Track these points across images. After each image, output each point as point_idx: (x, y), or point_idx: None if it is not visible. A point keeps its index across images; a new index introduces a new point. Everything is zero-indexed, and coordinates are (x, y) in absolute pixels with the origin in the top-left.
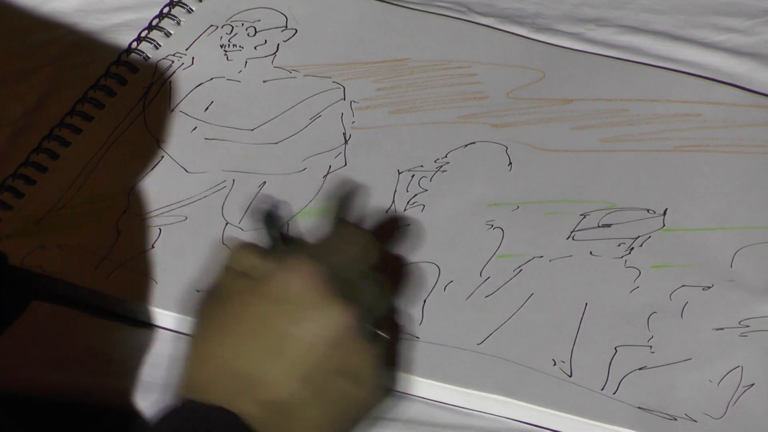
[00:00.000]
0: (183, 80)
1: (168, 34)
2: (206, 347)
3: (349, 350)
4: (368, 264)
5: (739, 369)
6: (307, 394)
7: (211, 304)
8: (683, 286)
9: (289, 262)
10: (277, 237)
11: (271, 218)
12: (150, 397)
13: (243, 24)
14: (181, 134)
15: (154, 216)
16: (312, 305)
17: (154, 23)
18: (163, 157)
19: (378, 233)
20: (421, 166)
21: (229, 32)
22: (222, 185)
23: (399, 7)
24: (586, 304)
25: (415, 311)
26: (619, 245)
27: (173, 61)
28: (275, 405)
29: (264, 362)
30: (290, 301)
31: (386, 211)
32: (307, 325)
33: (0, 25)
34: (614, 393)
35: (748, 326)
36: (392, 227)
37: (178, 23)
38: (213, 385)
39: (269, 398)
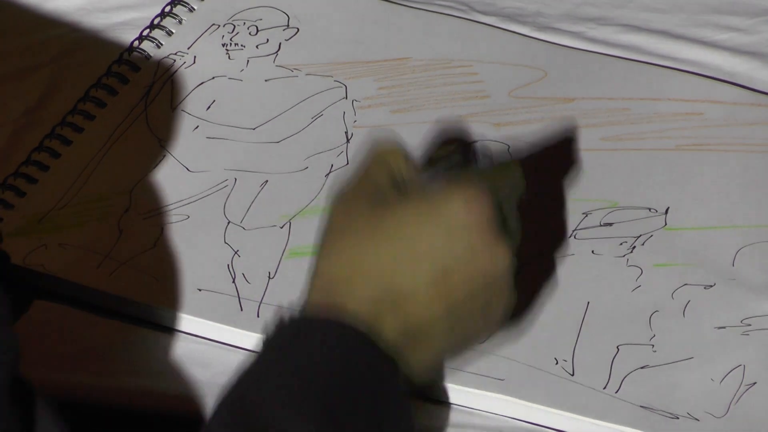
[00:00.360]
0: (185, 79)
1: (170, 33)
2: (358, 255)
3: (498, 293)
4: (516, 200)
5: (741, 368)
6: (446, 323)
7: (360, 206)
8: (685, 284)
9: (455, 184)
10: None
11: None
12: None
13: (245, 23)
14: (182, 133)
15: (156, 215)
16: (479, 244)
17: (155, 22)
18: (164, 156)
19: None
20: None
21: (230, 31)
22: (224, 184)
23: (400, 6)
24: (588, 302)
25: None
26: (621, 244)
27: (175, 60)
28: (415, 327)
29: (417, 282)
30: (456, 234)
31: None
32: (470, 263)
33: (1, 23)
34: (616, 392)
35: (750, 325)
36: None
37: (180, 22)
38: (362, 295)
39: (413, 319)
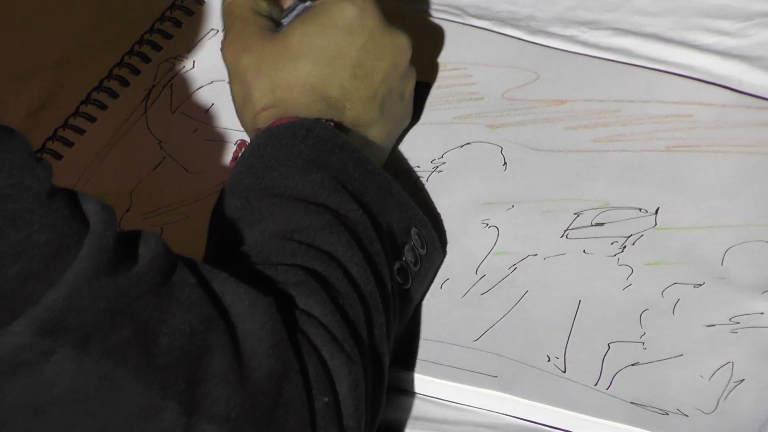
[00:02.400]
0: (184, 83)
1: (169, 37)
2: (282, 77)
3: (410, 78)
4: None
5: (730, 365)
6: (379, 114)
7: (255, 41)
8: (675, 283)
9: None
10: None
11: None
12: None
13: None
14: (182, 135)
15: (156, 215)
16: (379, 35)
17: (155, 26)
18: (164, 157)
19: None
20: (418, 166)
21: None
22: (222, 185)
23: (396, 12)
24: (580, 301)
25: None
26: (612, 243)
27: (174, 64)
28: (357, 123)
29: (348, 88)
30: (357, 32)
31: None
32: (377, 52)
33: (4, 27)
34: (607, 388)
35: (738, 323)
36: None
37: (179, 26)
38: (305, 108)
39: (352, 117)
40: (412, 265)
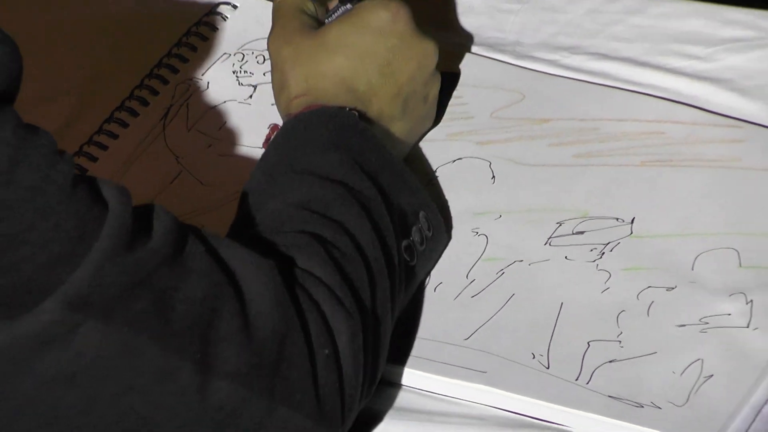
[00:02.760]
0: (199, 102)
1: (185, 61)
2: (316, 68)
3: (434, 83)
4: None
5: (700, 362)
6: (402, 112)
7: (297, 36)
8: (649, 287)
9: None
10: None
11: None
12: None
13: (253, 52)
14: (197, 151)
15: None
16: (408, 39)
17: (173, 51)
18: (181, 171)
19: None
20: (434, 176)
21: (240, 60)
22: (234, 197)
23: None
24: (562, 303)
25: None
26: (592, 250)
27: (190, 85)
28: (380, 117)
29: (375, 84)
30: (387, 34)
31: None
32: (405, 54)
33: (35, 52)
34: (587, 383)
35: (707, 323)
36: None
37: (195, 50)
38: (333, 98)
39: (377, 111)
40: (418, 245)
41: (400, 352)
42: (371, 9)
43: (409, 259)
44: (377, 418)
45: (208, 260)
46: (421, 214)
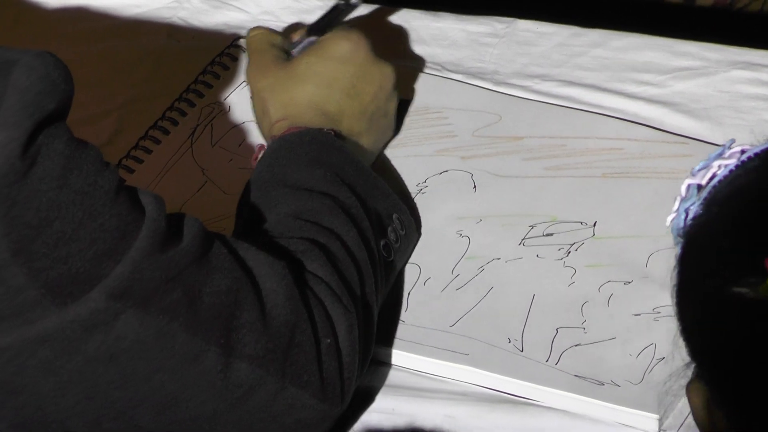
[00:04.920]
0: (222, 123)
1: (210, 87)
2: (291, 97)
3: (393, 100)
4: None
5: (653, 346)
6: (368, 127)
7: (271, 68)
8: (609, 281)
9: (338, 32)
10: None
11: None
12: None
13: None
14: (220, 164)
15: None
16: (368, 64)
17: (199, 78)
18: (206, 182)
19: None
20: (403, 184)
21: None
22: None
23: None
24: (534, 295)
25: (401, 302)
26: (559, 249)
27: (214, 108)
28: (350, 133)
29: (343, 106)
30: (350, 61)
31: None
32: (366, 77)
33: (81, 80)
34: (556, 364)
35: (659, 312)
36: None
37: (218, 78)
38: (309, 120)
39: (347, 128)
40: (394, 243)
41: (394, 337)
42: (334, 41)
43: (386, 256)
44: (373, 393)
45: (230, 260)
46: (395, 216)
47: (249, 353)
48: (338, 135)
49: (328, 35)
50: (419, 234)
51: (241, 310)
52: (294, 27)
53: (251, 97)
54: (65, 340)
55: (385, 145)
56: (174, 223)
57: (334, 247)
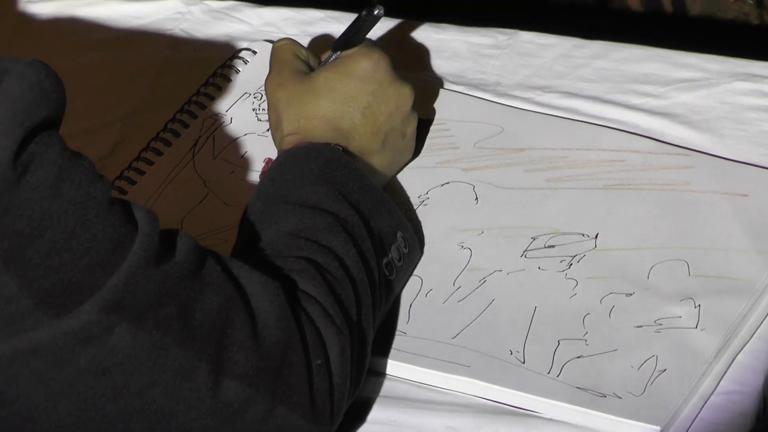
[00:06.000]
0: (223, 135)
1: (212, 99)
2: (306, 110)
3: (411, 121)
4: None
5: (655, 358)
6: (381, 147)
7: (291, 80)
8: (611, 293)
9: (360, 50)
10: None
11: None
12: None
13: None
14: (222, 176)
15: (201, 239)
16: (387, 84)
17: (201, 90)
18: (208, 193)
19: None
20: (408, 200)
21: (259, 99)
22: None
23: None
24: (536, 307)
25: (403, 314)
26: (561, 261)
27: (216, 120)
28: (362, 152)
29: (357, 124)
30: (369, 81)
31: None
32: (384, 98)
33: (82, 91)
34: (558, 376)
35: (661, 324)
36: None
37: (220, 90)
38: (320, 136)
39: (358, 146)
40: (396, 261)
41: (396, 349)
42: (355, 58)
43: (388, 274)
44: (373, 404)
45: (223, 277)
46: (399, 234)
47: (239, 372)
48: (347, 152)
49: (349, 52)
50: (422, 252)
51: (232, 328)
52: (320, 40)
53: (267, 108)
54: (58, 351)
55: (404, 166)
56: (167, 239)
57: (331, 267)
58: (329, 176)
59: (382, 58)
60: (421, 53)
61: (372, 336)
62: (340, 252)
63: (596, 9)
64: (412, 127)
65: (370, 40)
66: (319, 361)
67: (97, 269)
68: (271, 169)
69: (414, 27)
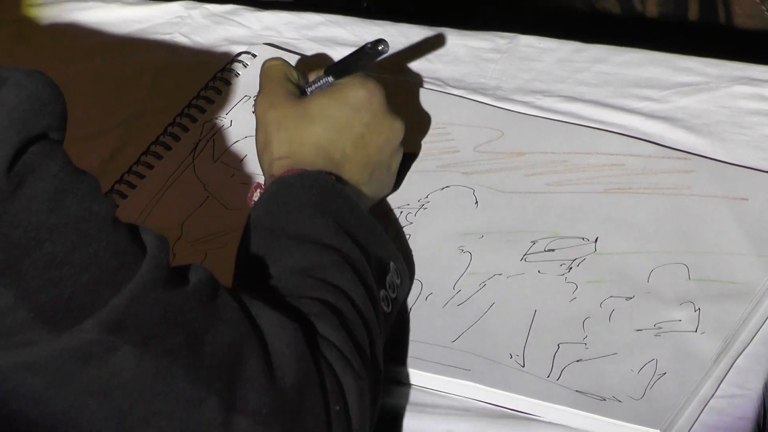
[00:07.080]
0: (223, 138)
1: (212, 102)
2: (298, 135)
3: (398, 156)
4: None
5: (655, 361)
6: (369, 178)
7: (282, 102)
8: (610, 297)
9: (355, 79)
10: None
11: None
12: None
13: None
14: (222, 179)
15: (202, 243)
16: (380, 116)
17: (201, 94)
18: (208, 197)
19: None
20: (408, 204)
21: None
22: None
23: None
24: (536, 310)
25: (402, 317)
26: (561, 265)
27: (215, 123)
28: (350, 181)
29: (348, 154)
30: (363, 111)
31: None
32: (376, 129)
33: (82, 95)
34: (557, 379)
35: (661, 328)
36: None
37: (220, 93)
38: (311, 163)
39: (348, 176)
40: (391, 293)
41: (395, 352)
42: (351, 86)
43: (385, 307)
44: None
45: (238, 314)
46: (391, 264)
47: (251, 409)
48: (339, 180)
49: (346, 79)
50: (412, 282)
51: (245, 364)
52: (312, 60)
53: (256, 128)
54: (57, 370)
55: (380, 201)
56: (181, 269)
57: (344, 308)
58: (326, 207)
59: (378, 89)
60: (421, 57)
61: (383, 372)
62: (349, 291)
63: (596, 13)
64: (397, 162)
65: (365, 71)
66: (338, 407)
67: (99, 286)
68: (266, 198)
69: (413, 31)
